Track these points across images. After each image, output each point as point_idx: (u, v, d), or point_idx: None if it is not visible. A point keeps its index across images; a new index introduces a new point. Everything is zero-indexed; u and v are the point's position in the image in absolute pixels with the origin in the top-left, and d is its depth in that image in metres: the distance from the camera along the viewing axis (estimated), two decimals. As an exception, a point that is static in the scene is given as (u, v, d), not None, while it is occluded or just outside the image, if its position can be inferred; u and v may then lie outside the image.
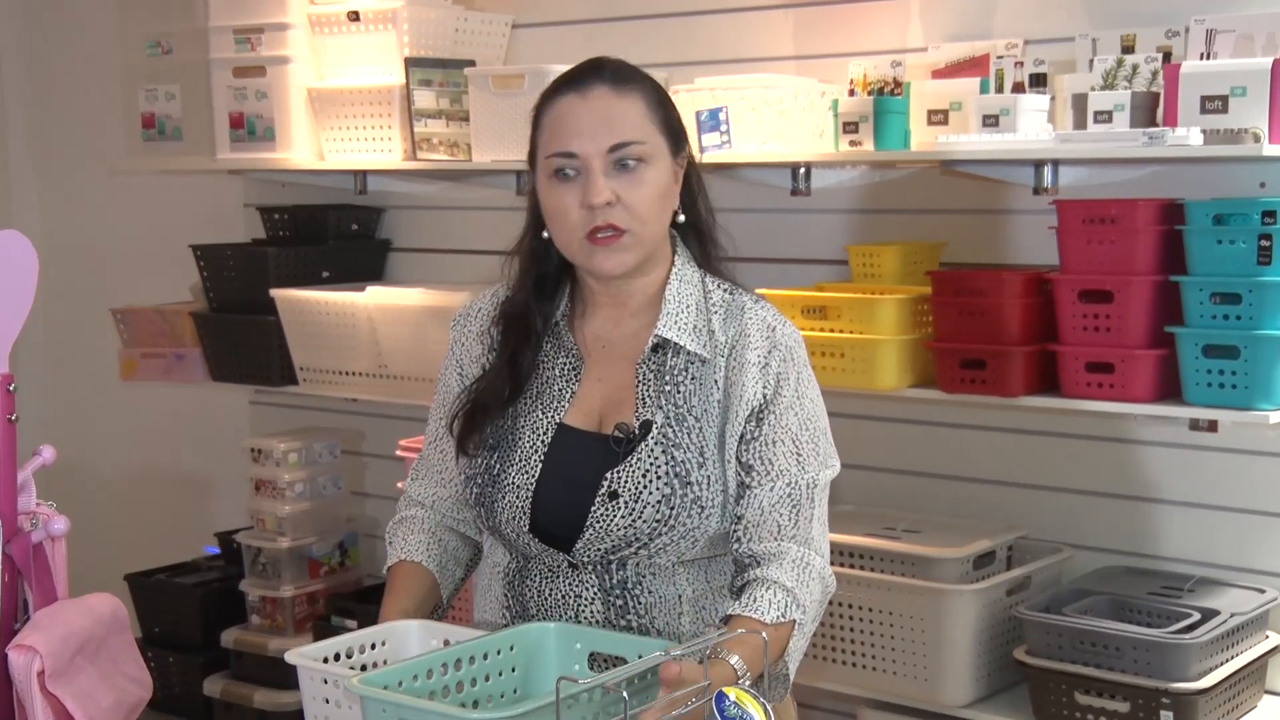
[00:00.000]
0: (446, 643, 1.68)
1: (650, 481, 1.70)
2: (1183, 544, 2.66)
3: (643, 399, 1.75)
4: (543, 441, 1.76)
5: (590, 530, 1.72)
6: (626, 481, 1.71)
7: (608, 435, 1.74)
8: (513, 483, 1.76)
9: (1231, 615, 2.40)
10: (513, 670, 1.61)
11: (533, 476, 1.75)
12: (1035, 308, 2.54)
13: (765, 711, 1.47)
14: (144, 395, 4.09)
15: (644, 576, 1.73)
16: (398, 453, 3.26)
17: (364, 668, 1.68)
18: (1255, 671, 2.46)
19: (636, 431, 1.72)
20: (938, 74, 2.72)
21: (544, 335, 1.82)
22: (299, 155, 3.39)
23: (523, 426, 1.78)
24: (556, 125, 1.74)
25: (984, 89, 2.61)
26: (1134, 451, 2.70)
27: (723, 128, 2.71)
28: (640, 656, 1.49)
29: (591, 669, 1.63)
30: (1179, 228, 2.39)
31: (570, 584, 1.75)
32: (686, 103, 2.83)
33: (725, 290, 1.80)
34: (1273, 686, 2.53)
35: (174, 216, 4.01)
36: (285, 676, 3.14)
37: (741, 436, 1.73)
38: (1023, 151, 2.47)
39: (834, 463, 1.78)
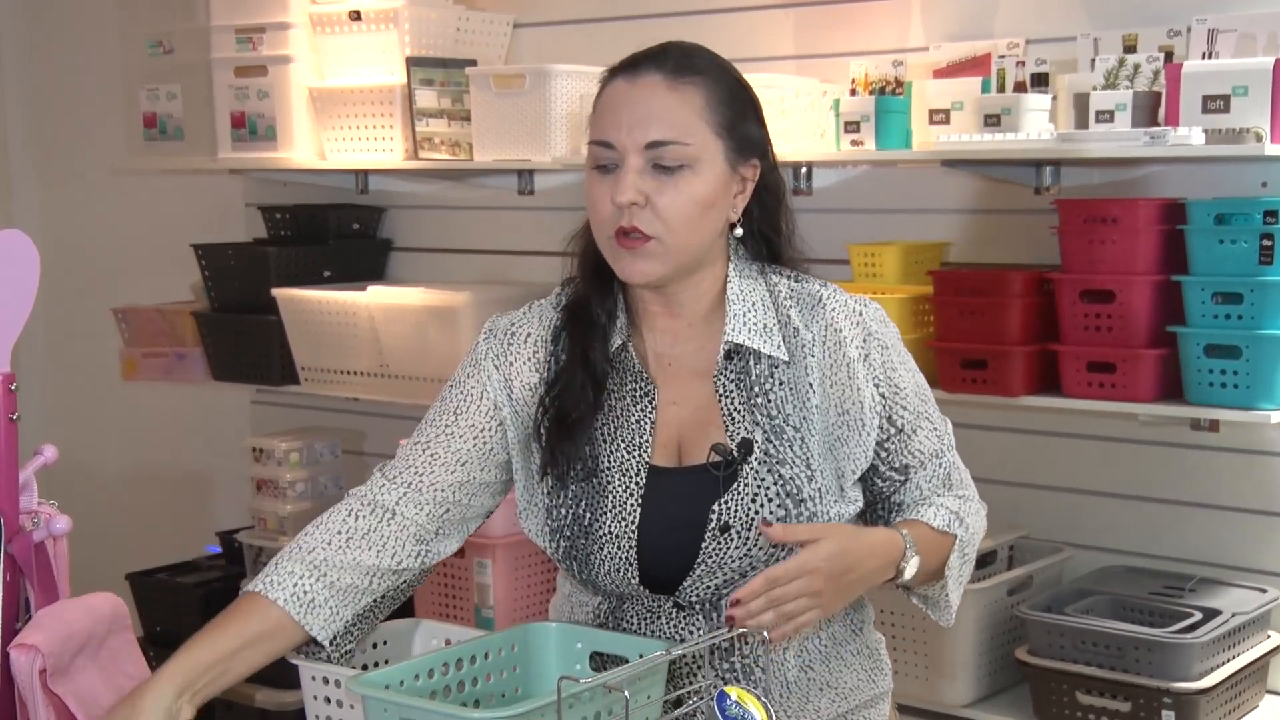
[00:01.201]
0: (448, 642, 1.68)
1: (762, 506, 1.56)
2: (1184, 544, 2.66)
3: (730, 415, 1.60)
4: (636, 484, 1.59)
5: (701, 567, 1.57)
6: (736, 511, 1.56)
7: (704, 464, 1.57)
8: (610, 533, 1.59)
9: (1233, 615, 2.40)
10: (514, 670, 1.61)
11: (632, 524, 1.58)
12: (1037, 307, 2.53)
13: (766, 711, 1.47)
14: (145, 395, 4.09)
15: None
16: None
17: (365, 667, 1.68)
18: (1257, 671, 2.46)
19: (735, 453, 1.56)
20: (939, 73, 2.72)
21: (610, 332, 1.64)
22: (300, 155, 3.39)
23: (608, 469, 1.60)
24: (601, 111, 1.59)
25: (985, 89, 2.61)
26: (1135, 451, 2.69)
27: (724, 127, 2.71)
28: (641, 656, 1.49)
29: (593, 669, 1.63)
30: (1180, 227, 2.39)
31: (674, 625, 1.61)
32: (688, 102, 2.83)
33: (790, 278, 1.65)
34: (1274, 686, 2.53)
35: (175, 216, 4.01)
36: (287, 676, 3.13)
37: (880, 443, 1.64)
38: (1024, 151, 2.47)
39: (949, 429, 1.74)
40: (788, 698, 1.64)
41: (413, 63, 3.17)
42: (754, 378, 1.61)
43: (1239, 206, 2.34)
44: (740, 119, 1.60)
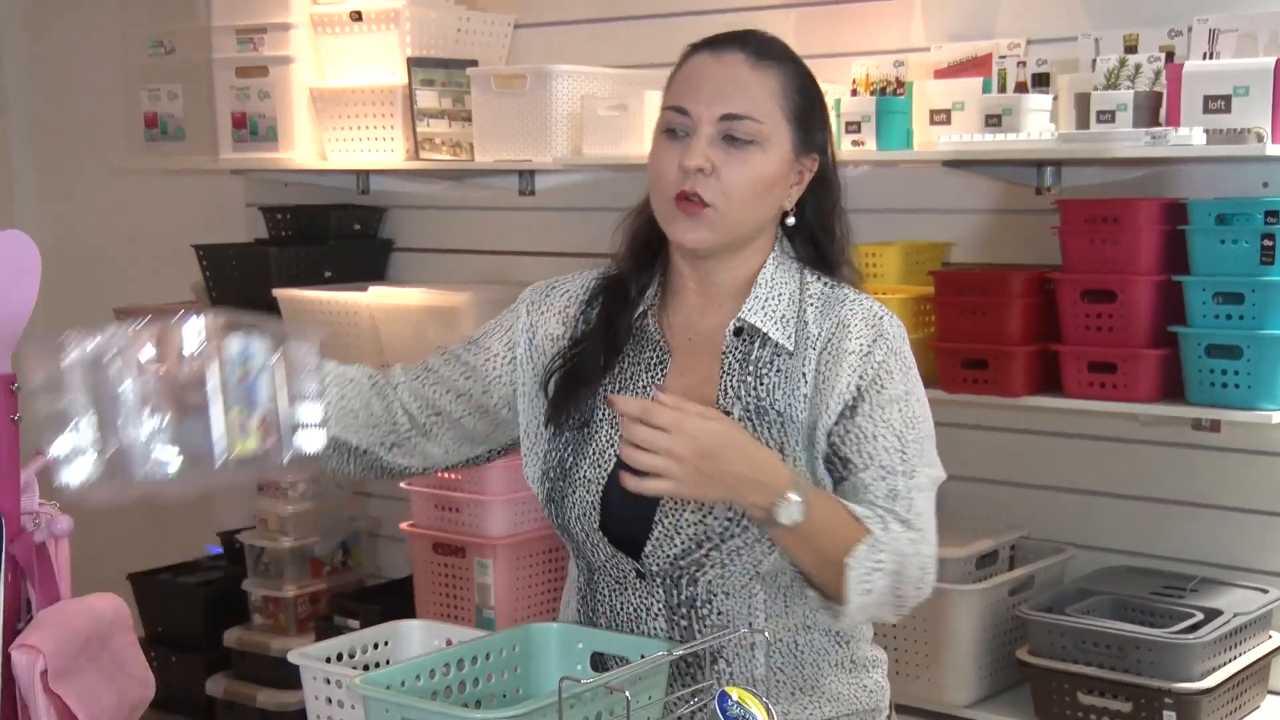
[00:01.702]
0: (449, 642, 1.68)
1: None
2: (1185, 544, 2.66)
3: (725, 390, 1.63)
4: (620, 437, 1.58)
5: (659, 528, 1.60)
6: None
7: None
8: (584, 477, 1.65)
9: (1234, 615, 2.40)
10: (515, 670, 1.61)
11: (605, 471, 1.63)
12: (1038, 307, 2.53)
13: (768, 711, 1.47)
14: (146, 395, 4.08)
15: (714, 595, 1.61)
16: (400, 452, 3.26)
17: (366, 668, 1.68)
18: (1258, 671, 2.46)
19: None
20: (940, 74, 2.72)
21: (638, 305, 1.69)
22: (301, 155, 3.39)
23: (600, 420, 1.66)
24: (680, 80, 1.65)
25: (986, 89, 2.61)
26: (1137, 451, 2.69)
27: (725, 127, 2.71)
28: (642, 657, 1.49)
29: (594, 669, 1.63)
30: (1182, 227, 2.39)
31: (638, 596, 1.64)
32: (689, 102, 2.83)
33: (826, 284, 1.67)
34: (1276, 686, 2.53)
35: (176, 216, 4.01)
36: (288, 676, 3.14)
37: (832, 431, 1.59)
38: (1025, 151, 2.47)
39: (938, 468, 1.63)
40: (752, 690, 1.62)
41: (414, 63, 3.17)
42: (753, 358, 1.64)
43: (1240, 207, 2.34)
44: (809, 111, 1.66)
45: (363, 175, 3.51)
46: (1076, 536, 2.76)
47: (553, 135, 2.98)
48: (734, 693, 1.47)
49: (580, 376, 1.69)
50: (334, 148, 3.34)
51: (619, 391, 1.68)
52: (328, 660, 1.65)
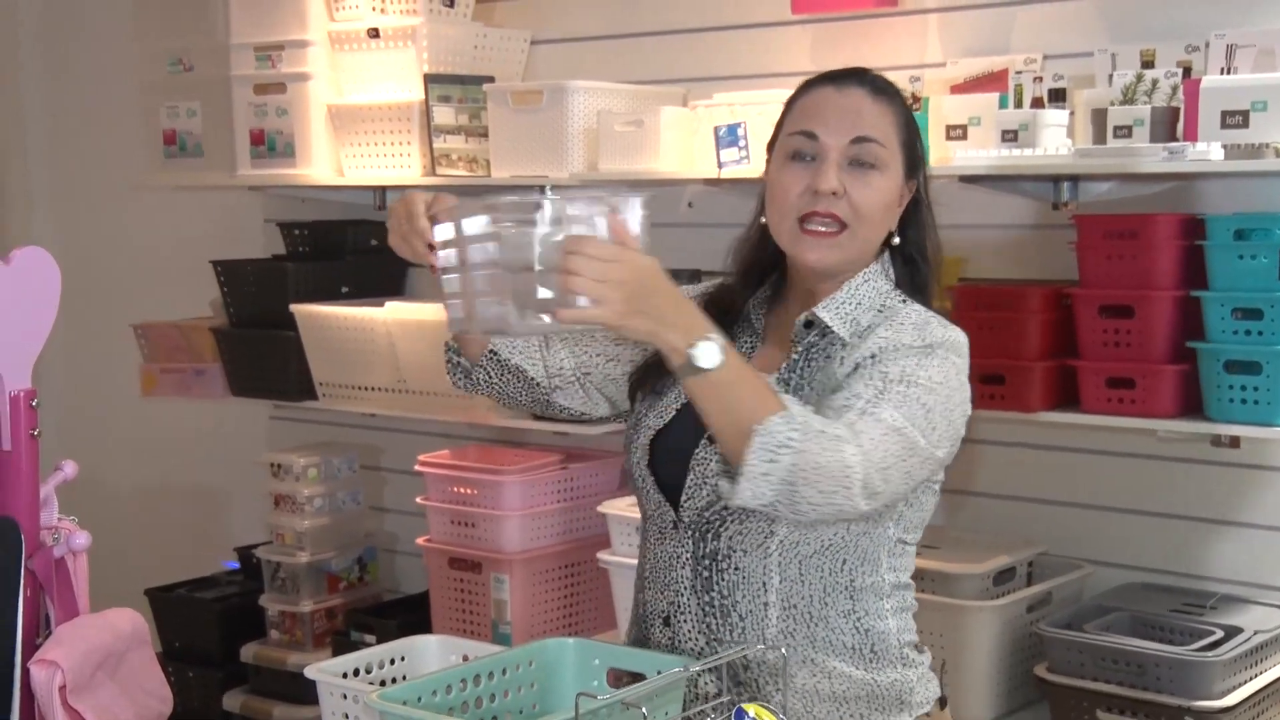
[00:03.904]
0: (465, 658, 1.69)
1: None
2: (1205, 561, 2.65)
3: (781, 372, 1.76)
4: (686, 394, 1.70)
5: (692, 474, 1.72)
6: None
7: None
8: (647, 425, 1.80)
9: (1255, 633, 2.39)
10: (532, 686, 1.61)
11: (664, 420, 1.78)
12: (1055, 323, 2.53)
13: (784, 728, 1.47)
14: (164, 410, 4.11)
15: (734, 551, 1.70)
16: (416, 468, 3.27)
17: (383, 683, 1.69)
18: (1279, 689, 2.45)
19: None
20: (956, 89, 2.72)
21: (739, 319, 1.83)
22: (319, 171, 3.41)
23: (677, 383, 1.74)
24: (806, 109, 1.76)
25: (1003, 104, 2.61)
26: (1155, 467, 2.68)
27: (741, 143, 2.72)
28: (659, 673, 1.49)
29: (610, 685, 1.63)
30: (1200, 243, 2.38)
31: (673, 544, 1.75)
32: (705, 118, 2.84)
33: (905, 302, 1.77)
34: (1297, 705, 2.51)
35: (194, 232, 4.03)
36: (304, 691, 3.15)
37: (836, 380, 1.67)
38: (1042, 166, 2.47)
39: (936, 442, 1.63)
40: (763, 652, 1.69)
41: (431, 79, 3.19)
42: (809, 344, 1.76)
43: (1258, 222, 2.33)
44: (913, 141, 1.79)
45: (380, 191, 3.52)
46: (1095, 553, 2.75)
47: (569, 151, 2.99)
48: (750, 709, 1.47)
49: (656, 370, 1.80)
50: (351, 164, 3.35)
51: None
52: (344, 676, 1.65)
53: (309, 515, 3.49)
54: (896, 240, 1.79)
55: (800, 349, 1.76)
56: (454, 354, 1.86)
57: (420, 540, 3.27)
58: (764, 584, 1.70)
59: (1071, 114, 2.55)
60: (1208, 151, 2.25)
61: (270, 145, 3.44)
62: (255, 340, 3.55)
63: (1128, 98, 2.46)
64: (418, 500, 3.28)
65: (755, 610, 1.71)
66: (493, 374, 1.85)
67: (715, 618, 1.71)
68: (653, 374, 1.82)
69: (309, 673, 1.65)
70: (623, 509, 2.90)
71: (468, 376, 1.86)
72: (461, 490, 3.18)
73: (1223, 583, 2.61)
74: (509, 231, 1.49)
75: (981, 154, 2.51)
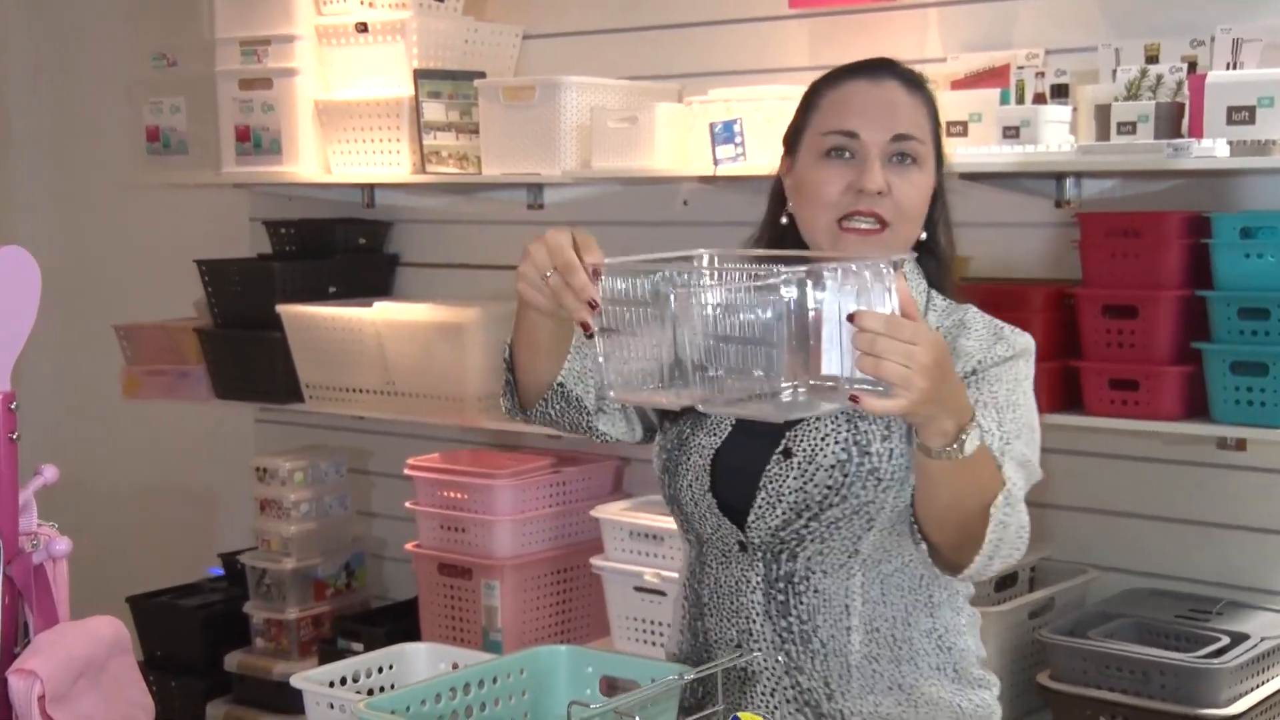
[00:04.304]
0: (455, 666, 1.68)
1: (828, 444, 1.66)
2: (1211, 566, 2.65)
3: None
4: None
5: (762, 494, 1.67)
6: (803, 440, 1.67)
7: None
8: (699, 444, 1.74)
9: (1262, 639, 2.39)
10: (523, 695, 1.61)
11: (720, 437, 1.73)
12: (1058, 323, 2.53)
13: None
14: (147, 413, 4.10)
15: (813, 573, 1.67)
16: (405, 471, 3.26)
17: (371, 692, 1.68)
18: (1286, 697, 2.45)
19: None
20: (957, 84, 2.72)
21: None
22: (306, 168, 3.40)
23: None
24: (841, 104, 1.72)
25: (1004, 100, 2.61)
26: (1160, 471, 2.68)
27: (737, 140, 2.72)
28: (653, 681, 1.49)
29: (604, 694, 1.62)
30: (1205, 241, 2.38)
31: (740, 568, 1.70)
32: (700, 114, 2.84)
33: (950, 302, 1.77)
34: (1304, 713, 2.51)
35: (178, 231, 4.02)
36: (290, 701, 3.13)
37: None
38: (1044, 164, 2.47)
39: (1035, 460, 1.65)
40: (847, 681, 1.65)
41: (420, 75, 3.18)
42: None
43: (1265, 220, 2.33)
44: (940, 134, 1.77)
45: (368, 189, 3.51)
46: (1099, 558, 2.75)
47: (562, 148, 2.99)
48: (745, 718, 1.46)
49: None
50: (339, 161, 3.35)
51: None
52: (331, 684, 1.64)
53: (295, 520, 3.48)
54: (923, 236, 1.76)
55: None
56: (511, 381, 1.77)
57: (409, 546, 3.26)
58: (846, 607, 1.66)
59: (1074, 110, 2.55)
60: (1213, 148, 2.25)
61: (256, 142, 3.43)
62: (241, 341, 3.54)
63: (1132, 93, 2.46)
64: (407, 505, 3.27)
65: (838, 635, 1.66)
66: (553, 405, 1.77)
67: (794, 644, 1.67)
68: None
69: (295, 681, 1.64)
70: (616, 513, 2.89)
71: (525, 409, 1.78)
72: (451, 494, 3.17)
73: (1229, 588, 2.61)
74: (753, 298, 1.38)
75: (983, 151, 2.51)
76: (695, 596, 1.75)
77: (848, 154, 1.69)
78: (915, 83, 1.75)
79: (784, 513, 1.66)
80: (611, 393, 1.54)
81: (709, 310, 1.41)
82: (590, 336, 1.51)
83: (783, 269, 1.39)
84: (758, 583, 1.68)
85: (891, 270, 1.42)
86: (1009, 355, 1.67)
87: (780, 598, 1.67)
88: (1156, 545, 2.70)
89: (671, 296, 1.43)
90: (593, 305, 1.51)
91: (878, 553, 1.66)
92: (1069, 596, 2.68)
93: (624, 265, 1.51)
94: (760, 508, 1.68)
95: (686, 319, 1.42)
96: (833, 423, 1.66)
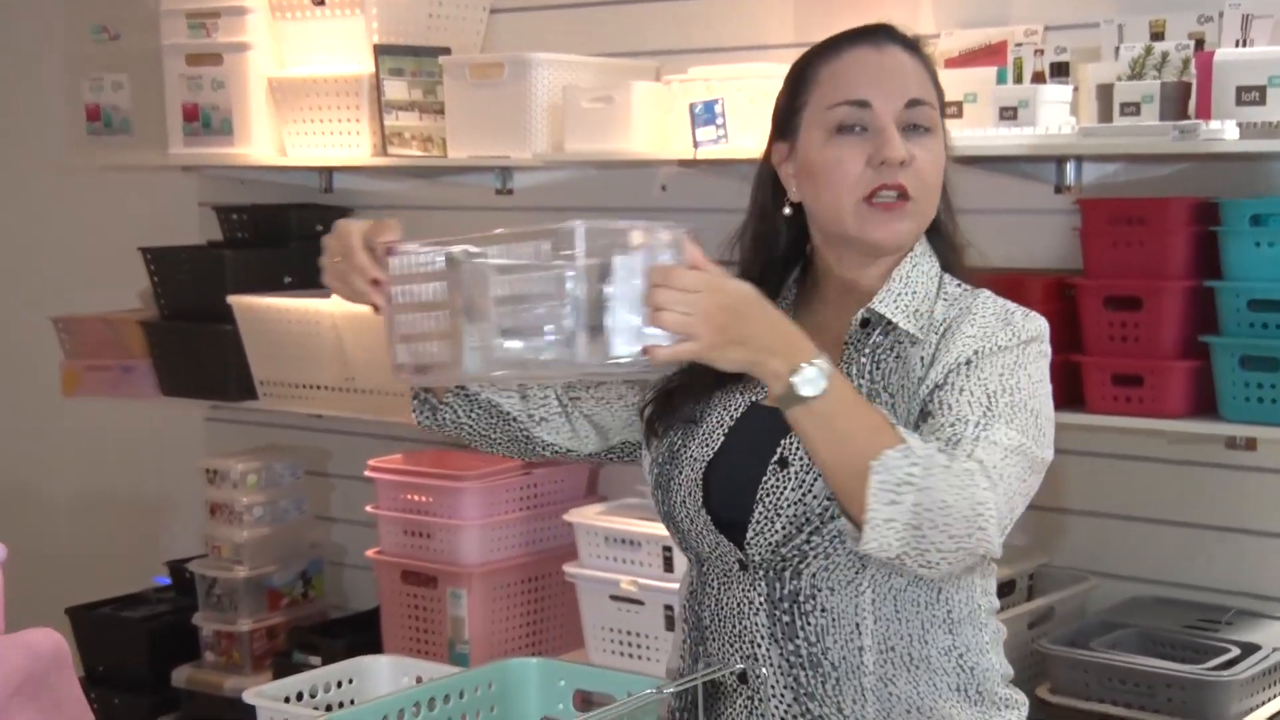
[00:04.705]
0: (419, 680, 1.68)
1: None
2: (1220, 572, 2.67)
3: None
4: (730, 417, 1.72)
5: (760, 506, 1.65)
6: (799, 449, 1.64)
7: None
8: (691, 456, 1.72)
9: (1274, 650, 2.41)
10: (491, 710, 1.61)
11: (712, 449, 1.71)
12: (1057, 315, 2.53)
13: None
14: (88, 412, 4.08)
15: (819, 591, 1.64)
16: (366, 473, 3.26)
17: (329, 708, 1.68)
18: (1298, 710, 2.47)
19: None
20: (951, 63, 2.73)
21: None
22: (259, 151, 3.39)
23: (715, 404, 1.74)
24: (845, 75, 1.70)
25: (1001, 79, 2.62)
26: (1166, 471, 2.70)
27: (718, 121, 2.72)
28: (629, 695, 1.49)
29: (577, 709, 1.63)
30: (1214, 229, 2.40)
31: (741, 589, 1.68)
32: (679, 94, 2.84)
33: (963, 288, 1.75)
34: (1317, 727, 2.54)
35: (121, 217, 4.01)
36: (243, 718, 3.13)
37: (928, 398, 1.62)
38: (1043, 146, 2.48)
39: (1032, 439, 1.62)
40: (862, 705, 1.64)
41: (381, 51, 3.18)
42: (871, 343, 1.71)
43: (1276, 206, 2.35)
44: (943, 104, 1.76)
45: (326, 173, 3.51)
46: (1101, 564, 2.77)
47: (532, 129, 2.99)
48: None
49: (683, 391, 1.75)
50: (294, 142, 3.34)
51: (737, 381, 1.70)
52: (287, 700, 1.65)
53: (248, 526, 3.47)
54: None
55: (866, 352, 1.70)
56: (421, 390, 1.79)
57: (370, 552, 3.26)
58: (857, 626, 1.64)
59: (1075, 90, 2.57)
60: (1222, 130, 2.27)
61: (205, 122, 3.42)
62: (189, 335, 3.53)
63: (1136, 72, 2.47)
64: (368, 509, 3.27)
65: (849, 657, 1.64)
66: (461, 412, 1.77)
67: (803, 669, 1.65)
68: (681, 398, 1.75)
69: (248, 697, 1.65)
70: (590, 518, 2.90)
71: (434, 414, 1.79)
72: (415, 498, 3.17)
73: (1239, 596, 2.63)
74: (538, 262, 1.44)
75: (978, 133, 2.52)
76: (696, 619, 1.74)
77: (859, 128, 1.68)
78: (916, 48, 1.75)
79: (783, 527, 1.64)
80: (402, 375, 1.61)
81: (499, 277, 1.47)
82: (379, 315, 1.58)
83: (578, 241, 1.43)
84: (761, 603, 1.66)
85: (683, 232, 1.46)
86: (1011, 343, 1.66)
87: (786, 619, 1.65)
88: (1162, 550, 2.72)
89: (462, 265, 1.49)
90: (376, 283, 1.60)
91: (887, 566, 1.61)
92: (1070, 605, 2.70)
93: (417, 249, 1.58)
94: (758, 523, 1.66)
95: (477, 283, 1.48)
96: None
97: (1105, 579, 2.76)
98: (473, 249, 1.50)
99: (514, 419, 1.79)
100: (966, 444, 1.55)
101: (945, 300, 1.72)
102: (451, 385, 1.76)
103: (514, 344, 1.46)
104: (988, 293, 1.74)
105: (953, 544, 1.49)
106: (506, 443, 1.81)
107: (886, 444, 1.48)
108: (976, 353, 1.64)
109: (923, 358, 1.67)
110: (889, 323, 1.70)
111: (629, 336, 1.43)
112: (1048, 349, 1.72)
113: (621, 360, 1.43)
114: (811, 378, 1.47)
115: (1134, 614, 2.61)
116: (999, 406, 1.60)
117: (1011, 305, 1.72)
